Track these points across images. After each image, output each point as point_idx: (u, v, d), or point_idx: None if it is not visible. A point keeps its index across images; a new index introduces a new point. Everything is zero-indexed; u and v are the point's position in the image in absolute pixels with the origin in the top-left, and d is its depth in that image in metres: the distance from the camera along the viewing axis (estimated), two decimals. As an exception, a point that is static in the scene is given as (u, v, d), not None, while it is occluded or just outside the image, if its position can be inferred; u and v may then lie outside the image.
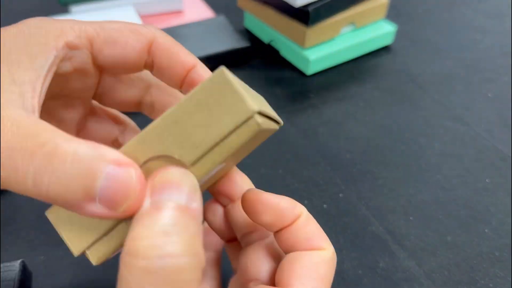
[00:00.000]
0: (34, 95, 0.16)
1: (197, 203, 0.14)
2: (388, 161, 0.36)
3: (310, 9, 0.41)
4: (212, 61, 0.44)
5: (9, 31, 0.17)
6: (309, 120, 0.40)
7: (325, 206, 0.32)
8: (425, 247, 0.29)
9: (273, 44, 0.49)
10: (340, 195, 0.33)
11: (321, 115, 0.40)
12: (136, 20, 0.44)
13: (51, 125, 0.14)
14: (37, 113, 0.16)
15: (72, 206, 0.14)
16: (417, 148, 0.37)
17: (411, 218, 0.31)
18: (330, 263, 0.19)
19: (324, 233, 0.20)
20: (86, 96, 0.21)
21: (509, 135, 0.38)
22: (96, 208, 0.14)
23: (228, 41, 0.45)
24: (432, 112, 0.41)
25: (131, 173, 0.14)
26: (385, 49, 0.49)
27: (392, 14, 0.55)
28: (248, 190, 0.20)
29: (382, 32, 0.48)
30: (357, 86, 0.44)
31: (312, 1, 0.42)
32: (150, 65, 0.20)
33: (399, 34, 0.51)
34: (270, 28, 0.48)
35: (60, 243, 0.29)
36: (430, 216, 0.31)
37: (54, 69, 0.17)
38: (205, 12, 0.52)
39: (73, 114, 0.22)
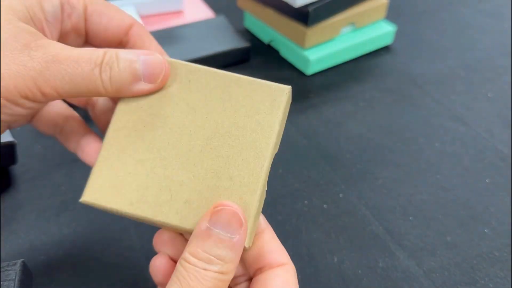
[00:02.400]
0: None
1: (240, 236, 0.18)
2: (388, 160, 0.36)
3: (310, 9, 0.41)
4: (212, 61, 0.44)
5: None
6: (309, 120, 0.40)
7: (325, 205, 0.32)
8: (425, 247, 0.29)
9: (273, 44, 0.49)
10: (340, 195, 0.33)
11: (321, 115, 0.40)
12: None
13: (84, 48, 0.20)
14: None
15: (125, 91, 0.21)
16: (417, 148, 0.37)
17: (410, 218, 0.31)
18: (295, 278, 0.21)
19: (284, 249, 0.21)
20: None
21: (509, 136, 0.38)
22: (143, 85, 0.21)
23: (228, 41, 0.45)
24: (432, 112, 0.41)
25: (158, 56, 0.21)
26: (385, 49, 0.49)
27: (392, 14, 0.55)
28: None
29: (382, 32, 0.48)
30: (357, 86, 0.44)
31: (312, 1, 0.42)
32: (124, 44, 0.23)
33: (399, 34, 0.51)
34: (270, 28, 0.48)
35: (60, 243, 0.29)
36: (430, 216, 0.31)
37: (59, 20, 0.22)
38: (205, 12, 0.52)
39: None
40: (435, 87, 0.44)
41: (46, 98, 0.19)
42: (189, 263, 0.18)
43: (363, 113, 0.41)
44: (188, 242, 0.19)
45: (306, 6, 0.41)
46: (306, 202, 0.32)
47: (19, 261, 0.25)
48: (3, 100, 0.19)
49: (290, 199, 0.32)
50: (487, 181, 0.34)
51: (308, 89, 0.43)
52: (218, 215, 0.18)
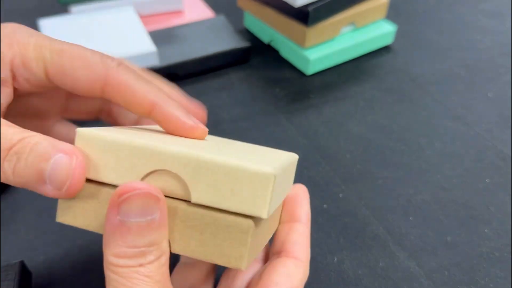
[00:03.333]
0: None
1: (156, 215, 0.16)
2: (388, 160, 0.36)
3: (310, 9, 0.41)
4: (212, 61, 0.44)
5: None
6: (309, 120, 0.40)
7: (325, 206, 0.32)
8: (425, 247, 0.29)
9: (273, 44, 0.49)
10: (340, 195, 0.33)
11: (321, 115, 0.40)
12: (136, 20, 0.44)
13: (17, 127, 0.18)
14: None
15: (30, 187, 0.17)
16: (417, 148, 0.37)
17: (411, 218, 0.31)
18: (302, 276, 0.20)
19: (309, 247, 0.21)
20: (52, 111, 0.24)
21: (509, 135, 0.38)
22: (48, 189, 0.17)
23: (228, 41, 0.45)
24: (432, 112, 0.41)
25: (72, 159, 0.17)
26: (385, 49, 0.49)
27: (392, 14, 0.55)
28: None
29: (382, 32, 0.48)
30: (357, 86, 0.44)
31: (312, 1, 0.42)
32: (108, 99, 0.20)
33: (399, 34, 0.51)
34: (270, 28, 0.48)
35: (60, 243, 0.29)
36: (430, 216, 0.31)
37: (10, 82, 0.19)
38: (205, 12, 0.52)
39: (43, 124, 0.24)
40: (435, 87, 0.44)
41: None
42: (119, 266, 0.16)
43: (363, 113, 0.41)
44: (104, 243, 0.16)
45: (306, 6, 0.41)
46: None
47: (18, 261, 0.25)
48: None
49: (290, 199, 0.32)
50: (487, 180, 0.34)
51: (308, 89, 0.43)
52: (128, 203, 0.16)
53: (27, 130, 0.18)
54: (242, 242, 0.16)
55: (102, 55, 0.20)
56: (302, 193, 0.24)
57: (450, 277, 0.28)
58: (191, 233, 0.17)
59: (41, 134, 0.18)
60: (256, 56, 0.47)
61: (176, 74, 0.43)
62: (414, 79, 0.45)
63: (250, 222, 0.16)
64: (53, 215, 0.31)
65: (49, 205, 0.32)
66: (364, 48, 0.47)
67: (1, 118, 0.18)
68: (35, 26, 0.50)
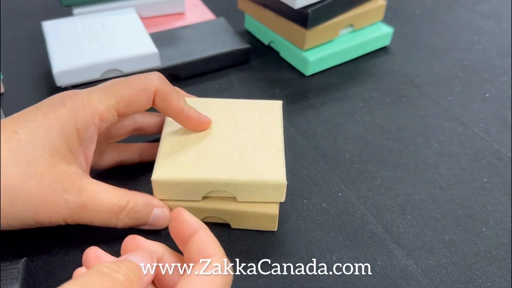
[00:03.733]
0: (88, 161, 0.27)
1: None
2: (386, 160, 0.36)
3: (309, 11, 0.41)
4: (213, 62, 0.45)
5: (53, 113, 0.25)
6: (308, 120, 0.40)
7: (324, 205, 0.32)
8: (423, 246, 0.30)
9: (273, 45, 0.49)
10: (339, 194, 0.33)
11: (320, 116, 0.41)
12: (138, 22, 0.45)
13: (116, 190, 0.27)
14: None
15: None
16: (415, 148, 0.37)
17: (409, 217, 0.32)
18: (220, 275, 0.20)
19: (216, 243, 0.21)
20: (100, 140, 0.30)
21: (506, 135, 0.39)
22: (147, 226, 0.28)
23: (229, 43, 0.46)
24: (430, 113, 0.41)
25: (165, 211, 0.28)
26: (383, 50, 0.50)
27: (390, 16, 0.56)
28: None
29: (380, 33, 0.48)
30: (356, 87, 0.44)
31: (311, 3, 0.42)
32: (154, 106, 0.29)
33: (397, 36, 0.51)
34: (269, 30, 0.48)
35: (62, 241, 0.29)
36: (428, 215, 0.32)
37: (95, 137, 0.27)
38: (206, 14, 0.53)
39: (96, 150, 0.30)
40: (433, 88, 0.44)
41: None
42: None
43: (361, 114, 0.41)
44: None
45: (306, 8, 0.42)
46: (305, 201, 0.32)
47: (22, 260, 0.25)
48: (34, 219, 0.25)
49: (289, 198, 0.32)
50: (484, 180, 0.35)
51: (307, 90, 0.44)
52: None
53: (124, 191, 0.27)
54: (273, 221, 0.29)
55: (146, 75, 0.28)
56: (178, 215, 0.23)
57: (448, 275, 0.28)
58: (244, 219, 0.29)
59: (136, 194, 0.27)
60: (256, 57, 0.48)
61: (177, 75, 0.44)
62: (412, 80, 0.45)
63: (275, 210, 0.29)
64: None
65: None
66: (363, 49, 0.48)
67: (105, 184, 0.26)
68: (38, 28, 0.50)
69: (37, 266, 0.28)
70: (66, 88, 0.40)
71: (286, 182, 0.27)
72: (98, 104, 0.26)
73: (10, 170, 0.23)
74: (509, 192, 0.33)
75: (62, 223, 0.25)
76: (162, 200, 0.29)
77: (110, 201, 0.25)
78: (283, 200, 0.28)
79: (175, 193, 0.28)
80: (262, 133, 0.30)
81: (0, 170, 0.23)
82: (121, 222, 0.26)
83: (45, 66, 0.45)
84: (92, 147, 0.27)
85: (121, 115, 0.27)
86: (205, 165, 0.28)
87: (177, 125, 0.30)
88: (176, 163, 0.28)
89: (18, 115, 0.25)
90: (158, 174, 0.27)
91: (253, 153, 0.29)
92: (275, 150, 0.29)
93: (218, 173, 0.27)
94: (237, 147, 0.29)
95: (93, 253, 0.21)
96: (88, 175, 0.27)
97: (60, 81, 0.38)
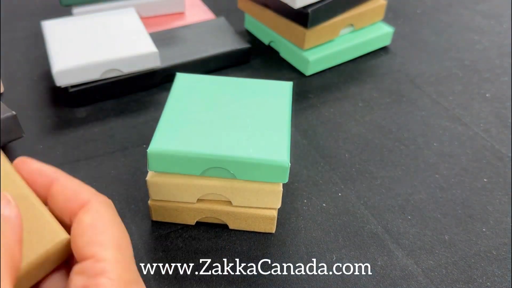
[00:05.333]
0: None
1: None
2: (387, 160, 0.36)
3: (309, 11, 0.41)
4: (213, 62, 0.45)
5: None
6: (308, 120, 0.40)
7: (324, 205, 0.32)
8: (423, 246, 0.30)
9: (273, 45, 0.49)
10: (339, 194, 0.33)
11: (320, 115, 0.41)
12: (137, 22, 0.45)
13: None
14: None
15: None
16: (415, 148, 0.37)
17: (409, 217, 0.32)
18: (102, 210, 0.17)
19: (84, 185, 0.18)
20: None
21: (506, 135, 0.39)
22: None
23: (229, 43, 0.46)
24: (430, 113, 0.41)
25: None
26: (384, 50, 0.50)
27: (390, 15, 0.56)
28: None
29: (380, 33, 0.48)
30: (356, 86, 0.44)
31: (311, 3, 0.42)
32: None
33: (397, 35, 0.51)
34: (270, 29, 0.48)
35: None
36: (428, 215, 0.32)
37: None
38: (206, 14, 0.53)
39: None
40: (433, 88, 0.44)
41: None
42: None
43: (361, 114, 0.41)
44: None
45: (306, 7, 0.42)
46: (305, 201, 0.32)
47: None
48: None
49: (289, 198, 0.32)
50: (485, 180, 0.34)
51: (307, 89, 0.44)
52: None
53: None
54: (271, 222, 0.29)
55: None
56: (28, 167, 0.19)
57: (448, 275, 0.28)
58: (241, 221, 0.29)
59: None
60: (256, 57, 0.48)
61: (176, 75, 0.44)
62: (412, 80, 0.45)
63: (274, 212, 0.29)
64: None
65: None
66: (363, 49, 0.48)
67: None
68: (38, 28, 0.50)
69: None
70: (66, 88, 0.40)
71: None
72: None
73: None
74: (510, 192, 0.33)
75: None
76: (157, 199, 0.28)
77: None
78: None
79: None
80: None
81: None
82: None
83: (45, 66, 0.45)
84: None
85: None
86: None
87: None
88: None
89: None
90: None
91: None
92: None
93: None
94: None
95: None
96: None
97: (59, 81, 0.38)
